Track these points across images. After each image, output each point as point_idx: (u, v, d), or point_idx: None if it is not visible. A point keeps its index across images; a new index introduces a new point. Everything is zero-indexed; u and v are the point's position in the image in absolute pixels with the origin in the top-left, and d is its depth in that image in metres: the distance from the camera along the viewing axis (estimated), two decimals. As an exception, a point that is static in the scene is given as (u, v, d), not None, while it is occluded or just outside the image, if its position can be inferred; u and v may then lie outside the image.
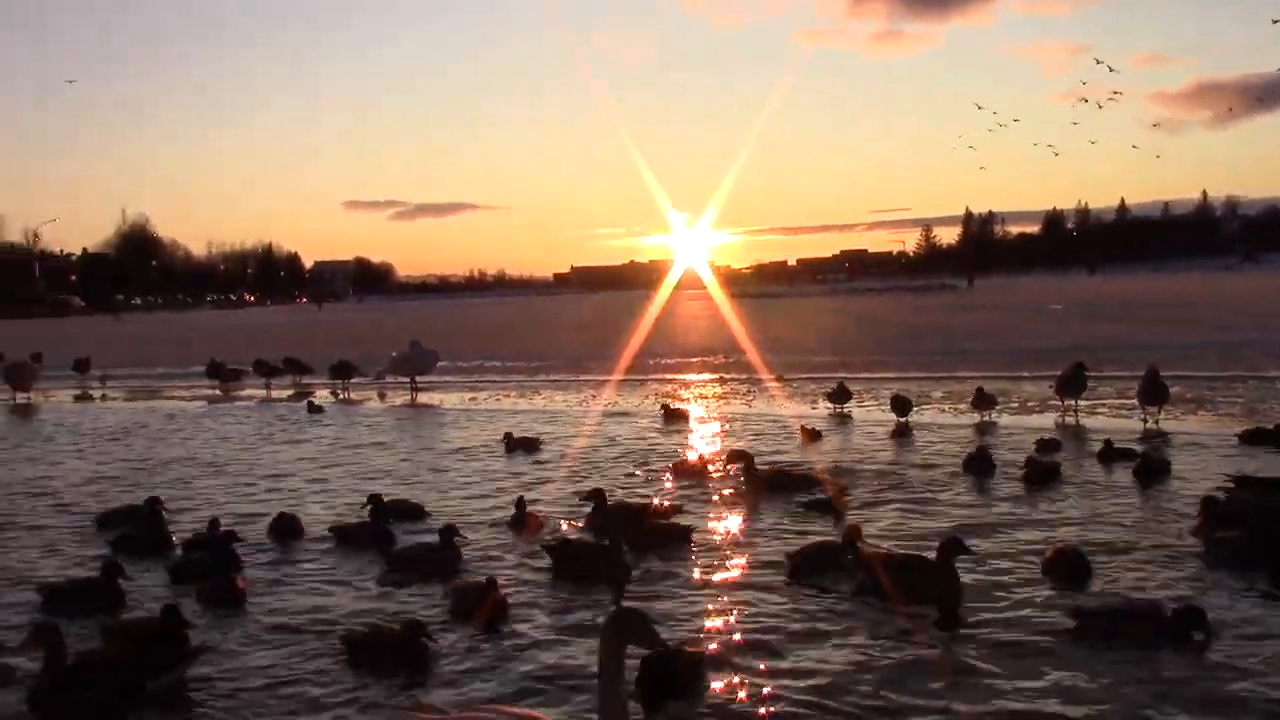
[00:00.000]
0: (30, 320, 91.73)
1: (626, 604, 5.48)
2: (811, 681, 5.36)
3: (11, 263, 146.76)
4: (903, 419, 14.28)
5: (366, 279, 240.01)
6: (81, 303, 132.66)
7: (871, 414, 15.49)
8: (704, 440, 13.69)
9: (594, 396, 18.94)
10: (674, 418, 15.40)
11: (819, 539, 7.97)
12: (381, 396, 20.98)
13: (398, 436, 15.13)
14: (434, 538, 7.93)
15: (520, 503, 9.18)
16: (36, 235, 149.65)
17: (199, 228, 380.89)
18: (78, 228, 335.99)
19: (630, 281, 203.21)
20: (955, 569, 6.66)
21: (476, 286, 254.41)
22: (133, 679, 5.31)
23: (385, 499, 9.23)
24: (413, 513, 9.27)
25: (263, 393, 21.85)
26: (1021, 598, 6.57)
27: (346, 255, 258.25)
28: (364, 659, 5.74)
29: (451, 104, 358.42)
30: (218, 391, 22.63)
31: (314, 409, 18.06)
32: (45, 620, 5.85)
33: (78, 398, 22.92)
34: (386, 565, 7.72)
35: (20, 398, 22.47)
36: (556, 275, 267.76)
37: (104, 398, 22.80)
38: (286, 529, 8.74)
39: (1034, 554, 7.42)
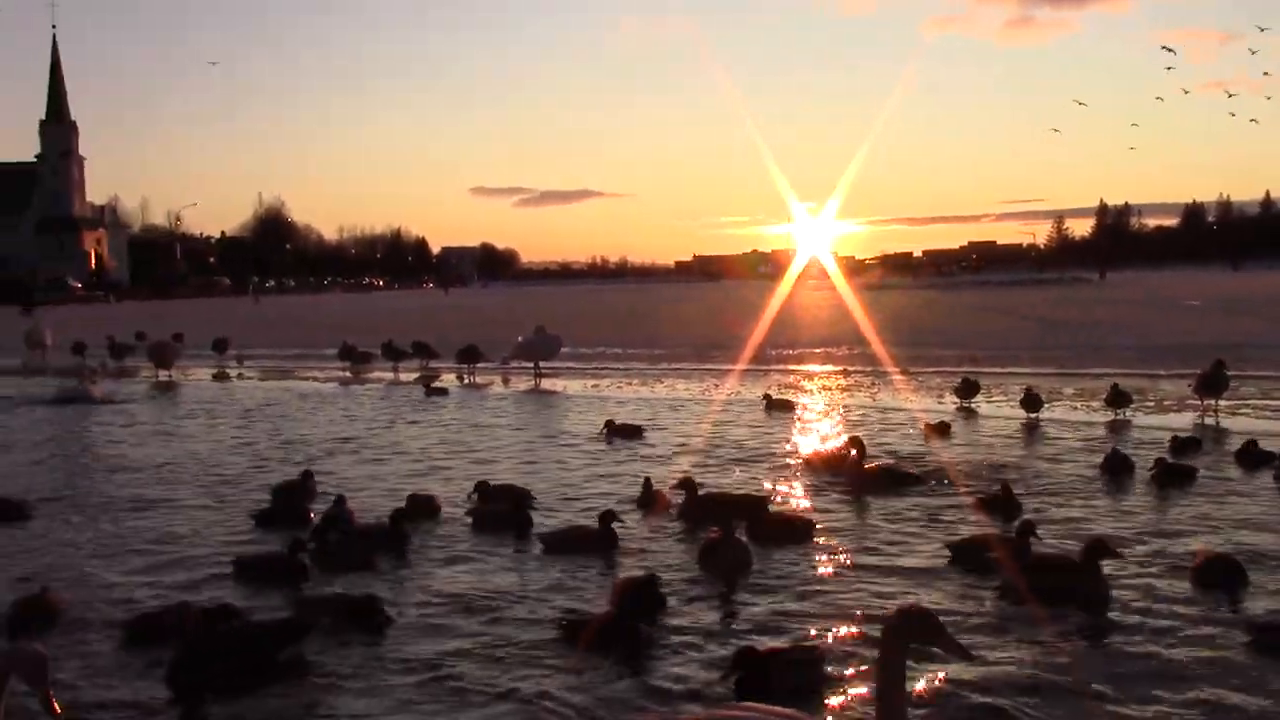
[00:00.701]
0: (171, 300, 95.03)
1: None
2: (947, 689, 5.24)
3: (155, 245, 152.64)
4: (1033, 415, 13.96)
5: (491, 264, 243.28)
6: (229, 283, 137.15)
7: (1000, 410, 15.17)
8: (810, 431, 13.60)
9: (716, 385, 18.90)
10: (776, 408, 15.36)
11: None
12: (505, 381, 21.25)
13: (516, 420, 15.34)
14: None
15: (647, 483, 9.31)
16: (178, 219, 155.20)
17: (331, 213, 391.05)
18: (217, 212, 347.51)
19: (752, 270, 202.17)
20: (1101, 572, 6.48)
21: (598, 273, 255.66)
22: (263, 652, 5.47)
23: (491, 483, 9.43)
24: (518, 497, 9.11)
25: (391, 375, 22.28)
26: (1171, 606, 6.26)
27: (473, 241, 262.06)
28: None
29: (578, 92, 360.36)
30: (348, 373, 23.14)
31: (432, 392, 18.43)
32: (180, 601, 6.05)
33: (216, 376, 23.67)
34: (543, 546, 7.84)
35: (162, 375, 23.30)
36: (678, 263, 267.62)
37: (240, 376, 23.53)
38: (422, 510, 8.81)
39: (1180, 558, 7.14)
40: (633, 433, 13.07)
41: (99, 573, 7.46)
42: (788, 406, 15.51)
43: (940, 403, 16.10)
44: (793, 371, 21.82)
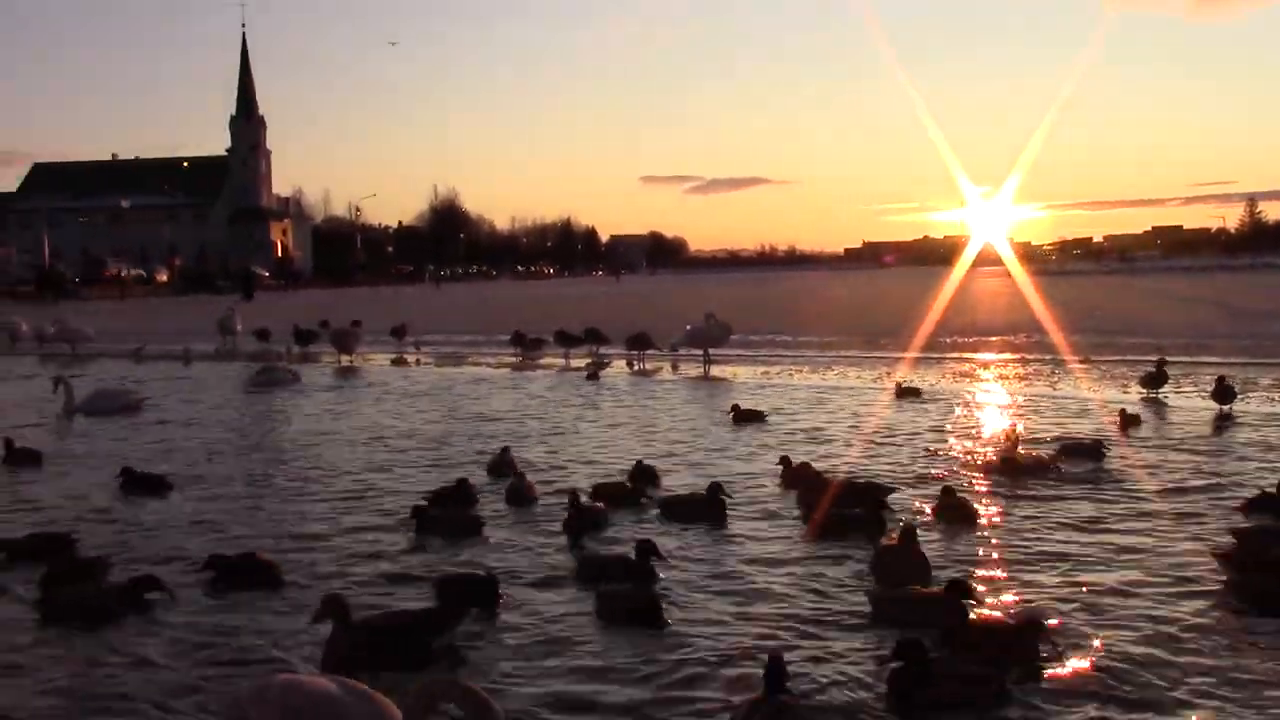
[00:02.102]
0: (352, 288, 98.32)
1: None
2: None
3: (337, 235, 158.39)
4: (1225, 407, 13.30)
5: (659, 253, 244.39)
6: (408, 271, 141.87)
7: (1190, 401, 14.50)
8: (965, 419, 13.33)
9: (887, 374, 18.59)
10: (906, 395, 15.18)
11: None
12: (675, 368, 21.31)
13: (676, 406, 15.39)
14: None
15: (785, 461, 9.53)
16: (358, 209, 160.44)
17: (503, 203, 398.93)
18: (394, 203, 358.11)
19: (924, 257, 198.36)
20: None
21: (767, 261, 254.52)
22: (419, 639, 5.49)
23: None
24: (712, 486, 8.90)
25: (562, 361, 22.58)
26: None
27: (641, 229, 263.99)
28: None
29: (746, 79, 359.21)
30: (520, 359, 23.54)
31: (593, 376, 18.84)
32: (332, 591, 6.12)
33: (394, 361, 24.39)
34: (662, 513, 8.29)
35: (344, 360, 24.13)
36: (848, 250, 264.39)
37: (418, 362, 24.19)
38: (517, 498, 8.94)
39: None
40: (756, 418, 13.30)
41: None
42: (916, 394, 15.28)
43: (1125, 392, 15.49)
44: (967, 359, 21.30)
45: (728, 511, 8.24)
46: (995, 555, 7.18)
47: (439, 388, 18.42)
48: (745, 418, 13.33)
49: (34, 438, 13.15)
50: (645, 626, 5.84)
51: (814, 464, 9.74)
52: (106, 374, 22.08)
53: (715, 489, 8.38)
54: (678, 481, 9.66)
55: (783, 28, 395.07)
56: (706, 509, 8.22)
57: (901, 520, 7.75)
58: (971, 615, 5.71)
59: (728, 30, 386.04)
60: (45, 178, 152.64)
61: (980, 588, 6.22)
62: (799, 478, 9.19)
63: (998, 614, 5.87)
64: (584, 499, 8.26)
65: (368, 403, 16.72)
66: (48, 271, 68.86)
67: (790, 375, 19.27)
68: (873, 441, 11.71)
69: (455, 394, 17.42)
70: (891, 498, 8.53)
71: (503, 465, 10.15)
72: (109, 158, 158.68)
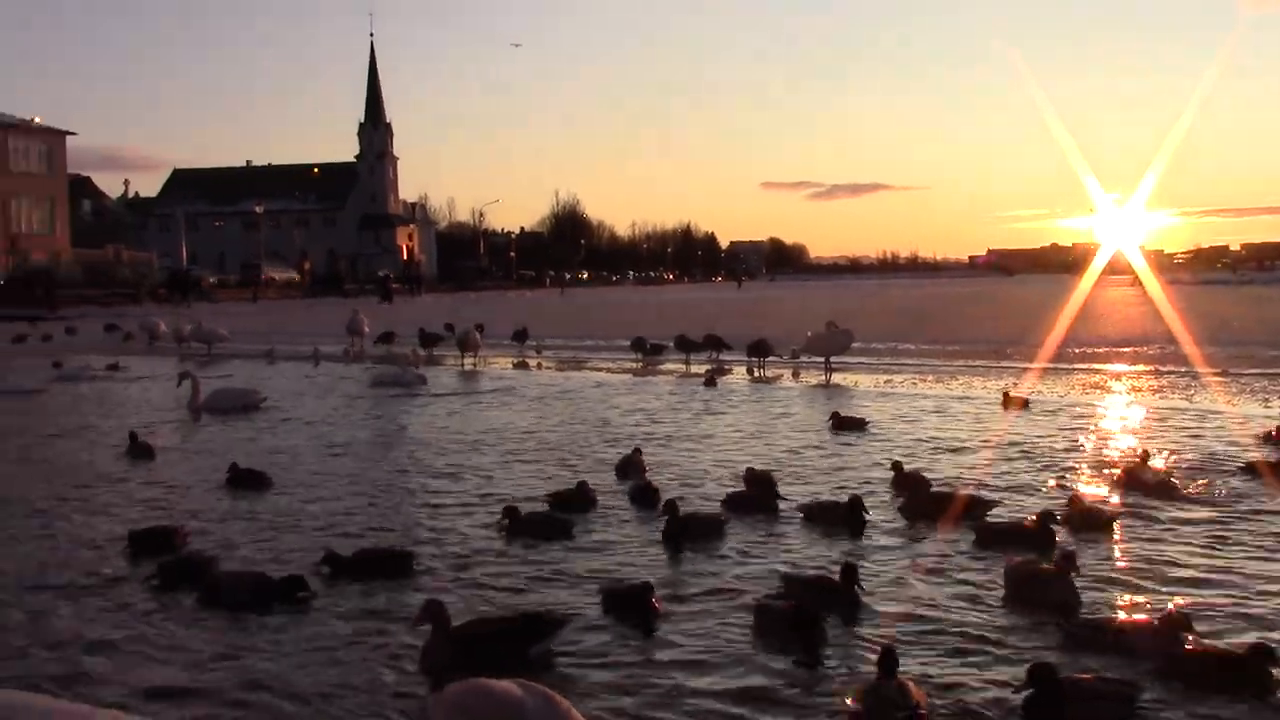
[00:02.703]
0: (475, 292, 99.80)
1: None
2: None
3: (460, 240, 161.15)
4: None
5: (779, 259, 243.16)
6: (531, 274, 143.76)
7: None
8: (1069, 431, 12.91)
9: (1014, 385, 18.19)
10: (1012, 405, 14.83)
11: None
12: (795, 376, 21.15)
13: (798, 412, 15.26)
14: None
15: (897, 465, 9.61)
16: (481, 215, 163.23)
17: (624, 209, 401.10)
18: (517, 208, 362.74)
19: (1051, 265, 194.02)
20: None
21: (888, 268, 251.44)
22: (516, 646, 5.49)
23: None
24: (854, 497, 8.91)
25: (682, 367, 22.57)
26: None
27: (761, 235, 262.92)
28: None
29: (868, 83, 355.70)
30: (640, 364, 23.60)
31: (710, 383, 18.91)
32: (432, 597, 6.15)
33: (516, 365, 24.67)
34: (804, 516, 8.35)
35: (467, 363, 24.49)
36: (971, 258, 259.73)
37: (539, 366, 24.43)
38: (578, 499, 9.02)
39: None
40: (857, 425, 13.29)
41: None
42: (1023, 404, 14.92)
43: (1266, 407, 14.90)
44: (1097, 370, 20.73)
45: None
46: (1132, 576, 6.95)
47: (559, 391, 18.57)
48: (845, 425, 13.28)
49: (160, 433, 13.72)
50: (804, 640, 5.70)
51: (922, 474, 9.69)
52: (238, 374, 22.75)
53: (857, 503, 8.31)
54: (792, 490, 9.55)
55: (906, 31, 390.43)
56: (848, 516, 8.19)
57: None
58: (1189, 644, 5.40)
59: (849, 35, 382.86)
60: (184, 184, 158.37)
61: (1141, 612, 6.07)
62: (909, 485, 9.09)
63: (1217, 643, 5.58)
64: (684, 508, 8.17)
65: (489, 405, 16.94)
66: (176, 274, 71.11)
67: (913, 384, 18.97)
68: (990, 452, 11.47)
69: (575, 398, 17.55)
70: (997, 512, 8.41)
71: (630, 466, 10.24)
72: (244, 164, 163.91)
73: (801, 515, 8.45)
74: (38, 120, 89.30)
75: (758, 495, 8.95)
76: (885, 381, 19.44)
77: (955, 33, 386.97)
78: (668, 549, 7.64)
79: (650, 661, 5.57)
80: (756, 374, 21.44)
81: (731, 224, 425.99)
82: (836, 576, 6.39)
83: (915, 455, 11.33)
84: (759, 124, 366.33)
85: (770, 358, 22.32)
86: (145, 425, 14.07)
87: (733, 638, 5.86)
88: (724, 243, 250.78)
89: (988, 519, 8.09)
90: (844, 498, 8.53)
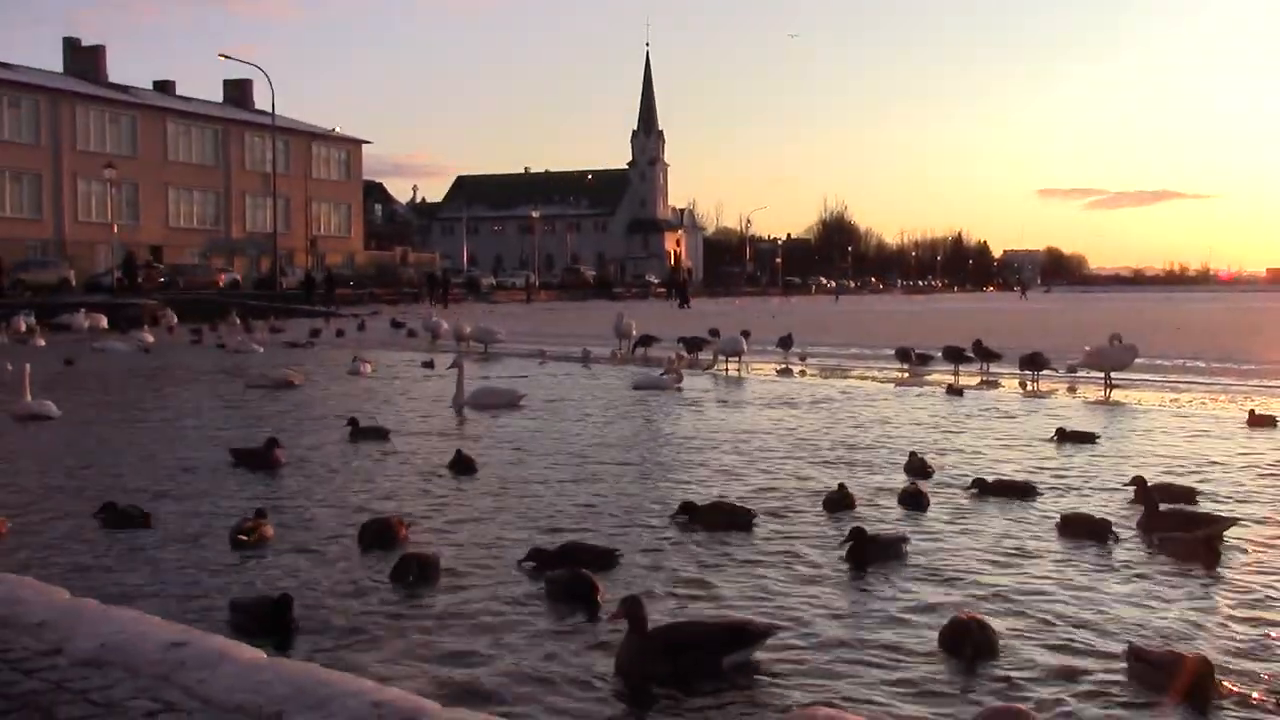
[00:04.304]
0: (740, 298, 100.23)
1: None
2: None
3: (727, 246, 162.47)
4: None
5: (1056, 269, 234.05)
6: (797, 281, 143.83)
7: None
8: None
9: (1264, 404, 16.82)
10: (1260, 424, 14.14)
11: None
12: (1072, 390, 20.19)
13: (1028, 426, 14.44)
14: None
15: (1138, 480, 9.28)
16: (748, 222, 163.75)
17: (892, 217, 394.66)
18: (783, 215, 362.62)
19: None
20: None
21: (1175, 281, 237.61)
22: (711, 655, 5.38)
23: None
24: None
25: (950, 378, 21.91)
26: None
27: (1037, 245, 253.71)
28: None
29: (1155, 85, 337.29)
30: (907, 374, 23.07)
31: (953, 392, 18.73)
32: (631, 594, 6.15)
33: (779, 371, 24.57)
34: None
35: (730, 369, 24.54)
36: (1270, 271, 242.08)
37: (802, 373, 24.24)
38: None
39: None
40: (1085, 439, 13.00)
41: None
42: (1272, 423, 14.23)
43: None
44: None
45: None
46: None
47: (821, 398, 18.38)
48: (1070, 439, 12.99)
49: (417, 424, 14.38)
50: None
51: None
52: (510, 372, 23.54)
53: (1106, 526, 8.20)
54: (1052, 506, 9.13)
55: (1197, 27, 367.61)
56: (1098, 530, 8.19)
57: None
58: None
59: (1134, 32, 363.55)
60: (466, 190, 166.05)
61: None
62: (1149, 498, 8.70)
63: None
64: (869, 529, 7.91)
65: (741, 409, 17.00)
66: (432, 275, 74.55)
67: (1203, 404, 17.76)
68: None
69: (836, 405, 17.32)
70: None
71: (923, 466, 10.85)
72: (522, 171, 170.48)
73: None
74: (338, 130, 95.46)
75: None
76: (1172, 400, 18.28)
77: (1249, 31, 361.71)
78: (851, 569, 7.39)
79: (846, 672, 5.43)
80: (1030, 387, 20.59)
81: (1005, 232, 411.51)
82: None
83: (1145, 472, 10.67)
84: (1037, 128, 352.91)
85: (1045, 371, 21.40)
86: (422, 416, 14.74)
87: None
88: (996, 251, 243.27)
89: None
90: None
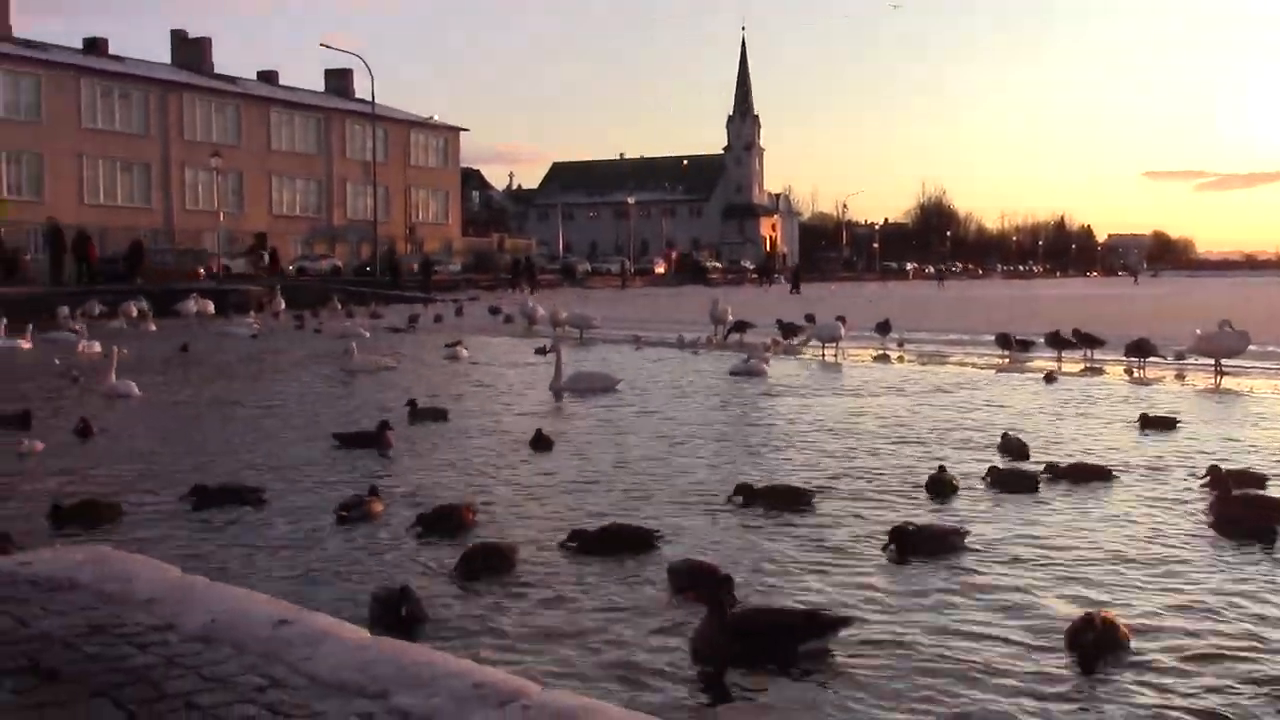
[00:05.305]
0: (837, 283, 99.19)
1: None
2: None
3: (823, 231, 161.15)
4: None
5: (1163, 253, 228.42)
6: (894, 266, 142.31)
7: None
8: None
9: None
10: None
11: None
12: (1180, 378, 19.67)
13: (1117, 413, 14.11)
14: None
15: (1212, 469, 8.95)
16: (845, 206, 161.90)
17: (993, 200, 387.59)
18: (881, 199, 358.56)
19: None
20: None
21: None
22: (787, 642, 5.39)
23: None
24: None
25: (1052, 365, 21.46)
26: None
27: (1142, 228, 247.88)
28: None
29: (1269, 59, 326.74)
30: (1007, 360, 22.66)
31: (1050, 379, 18.46)
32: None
33: (876, 357, 24.31)
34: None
35: (827, 355, 24.34)
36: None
37: (900, 359, 23.96)
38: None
39: None
40: (1167, 424, 12.87)
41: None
42: None
43: None
44: None
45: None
46: None
47: (918, 383, 18.23)
48: (1153, 424, 12.85)
49: (519, 407, 14.61)
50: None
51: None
52: (606, 357, 23.61)
53: None
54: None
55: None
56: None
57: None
58: None
59: (1240, 8, 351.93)
60: (562, 176, 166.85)
61: None
62: (1221, 482, 8.55)
63: None
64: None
65: (843, 394, 16.90)
66: (517, 261, 74.69)
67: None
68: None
69: (933, 390, 17.16)
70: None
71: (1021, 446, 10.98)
72: (617, 157, 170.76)
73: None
74: (436, 118, 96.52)
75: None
76: (1282, 388, 17.76)
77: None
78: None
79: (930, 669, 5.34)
80: (1136, 375, 20.09)
81: (1109, 216, 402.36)
82: None
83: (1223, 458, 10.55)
84: (1143, 108, 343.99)
85: (1152, 358, 20.87)
86: (519, 399, 14.91)
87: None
88: (1100, 235, 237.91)
89: None
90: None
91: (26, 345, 24.06)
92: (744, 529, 8.08)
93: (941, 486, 9.14)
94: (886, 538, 7.37)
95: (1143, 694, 5.01)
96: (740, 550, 7.49)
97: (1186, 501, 8.86)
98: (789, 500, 8.63)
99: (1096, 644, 5.37)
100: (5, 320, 26.48)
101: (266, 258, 62.82)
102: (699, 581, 6.16)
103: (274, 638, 4.38)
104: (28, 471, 10.23)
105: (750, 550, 7.50)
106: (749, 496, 8.65)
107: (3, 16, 69.48)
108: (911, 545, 7.24)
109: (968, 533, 7.65)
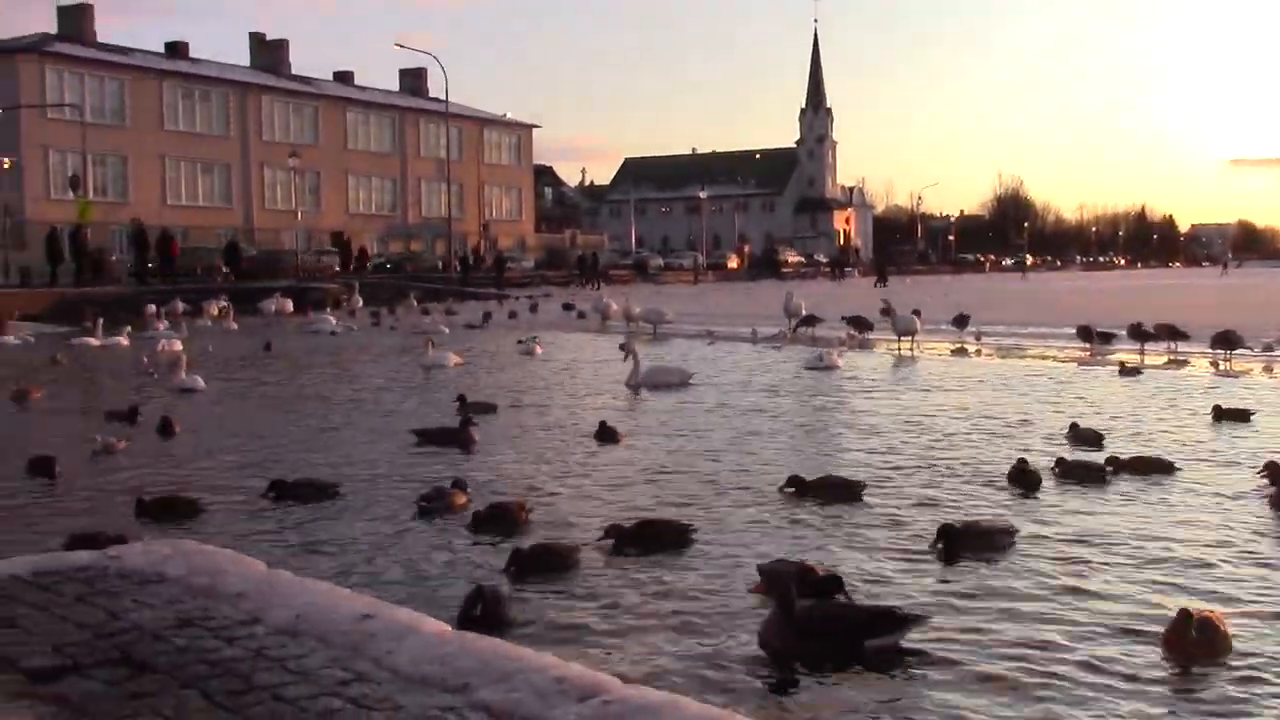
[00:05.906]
0: (912, 276, 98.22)
1: None
2: None
3: (897, 224, 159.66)
4: None
5: (1250, 243, 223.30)
6: (971, 258, 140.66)
7: None
8: None
9: None
10: None
11: None
12: (1269, 371, 19.21)
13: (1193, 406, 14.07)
14: None
15: (1270, 464, 8.86)
16: (919, 198, 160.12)
17: (1071, 190, 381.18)
18: (956, 191, 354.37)
19: None
20: None
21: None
22: (855, 640, 5.36)
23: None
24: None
25: (1135, 358, 21.07)
26: None
27: (1227, 218, 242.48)
28: None
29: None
30: (1089, 353, 22.30)
31: (1126, 372, 18.08)
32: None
33: (954, 351, 24.05)
34: None
35: (903, 348, 24.12)
36: None
37: (978, 353, 23.67)
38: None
39: None
40: (1241, 416, 12.63)
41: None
42: None
43: None
44: None
45: None
46: None
47: (995, 376, 18.06)
48: (1227, 416, 12.62)
49: (594, 401, 14.74)
50: None
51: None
52: (679, 352, 23.61)
53: None
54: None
55: None
56: None
57: None
58: None
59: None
60: (633, 171, 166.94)
61: None
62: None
63: None
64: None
65: (919, 388, 16.79)
66: (583, 257, 74.62)
67: None
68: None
69: (1011, 385, 16.98)
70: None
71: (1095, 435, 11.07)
72: (689, 152, 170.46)
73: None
74: (508, 115, 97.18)
75: None
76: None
77: None
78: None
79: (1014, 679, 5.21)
80: (1222, 367, 19.66)
81: (1192, 205, 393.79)
82: None
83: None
84: (1228, 94, 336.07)
85: (1239, 350, 20.40)
86: (597, 393, 14.99)
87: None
88: (1183, 226, 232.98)
89: None
90: None
91: (125, 343, 25.61)
92: (792, 523, 8.03)
93: (1026, 479, 9.03)
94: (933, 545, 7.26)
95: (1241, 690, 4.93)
96: (797, 545, 7.43)
97: (1245, 495, 8.73)
98: (841, 493, 8.61)
99: (1196, 643, 5.25)
100: (103, 319, 27.26)
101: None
102: (775, 580, 6.11)
103: (357, 631, 4.44)
104: (114, 467, 10.49)
105: (809, 546, 7.42)
106: (801, 488, 8.69)
107: (87, 21, 71.24)
108: (960, 543, 7.14)
109: (1017, 530, 7.51)
